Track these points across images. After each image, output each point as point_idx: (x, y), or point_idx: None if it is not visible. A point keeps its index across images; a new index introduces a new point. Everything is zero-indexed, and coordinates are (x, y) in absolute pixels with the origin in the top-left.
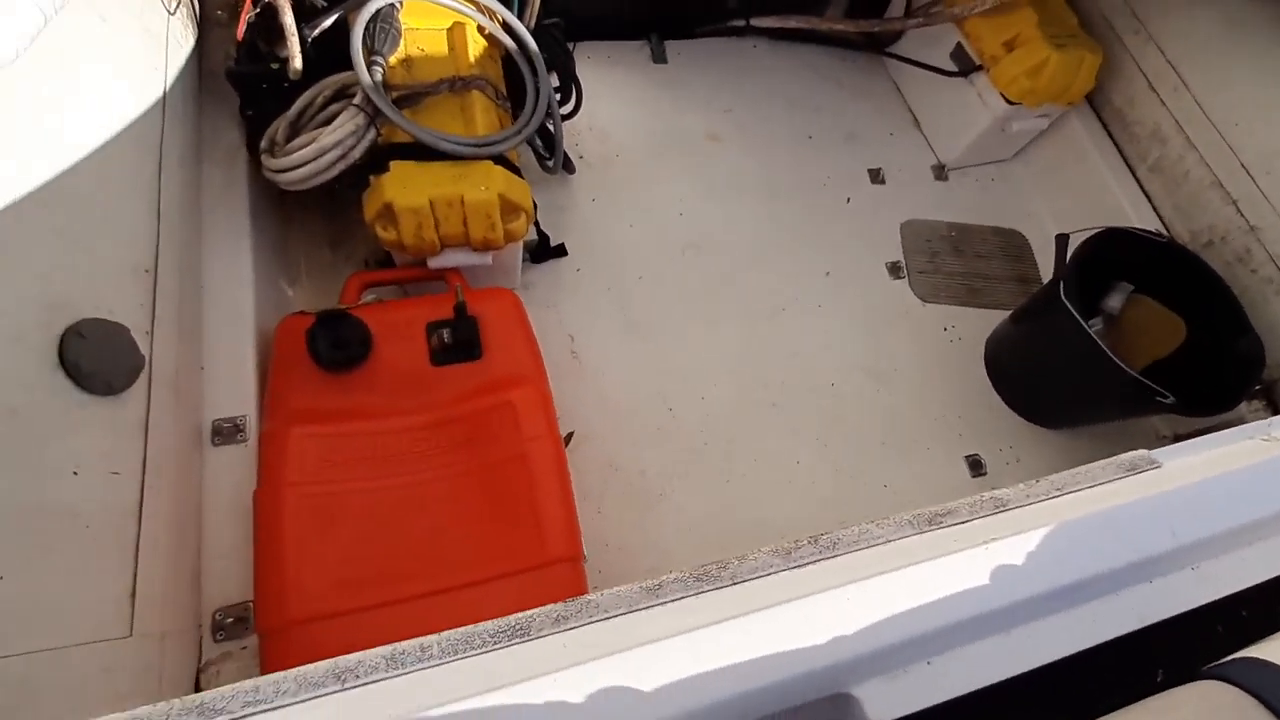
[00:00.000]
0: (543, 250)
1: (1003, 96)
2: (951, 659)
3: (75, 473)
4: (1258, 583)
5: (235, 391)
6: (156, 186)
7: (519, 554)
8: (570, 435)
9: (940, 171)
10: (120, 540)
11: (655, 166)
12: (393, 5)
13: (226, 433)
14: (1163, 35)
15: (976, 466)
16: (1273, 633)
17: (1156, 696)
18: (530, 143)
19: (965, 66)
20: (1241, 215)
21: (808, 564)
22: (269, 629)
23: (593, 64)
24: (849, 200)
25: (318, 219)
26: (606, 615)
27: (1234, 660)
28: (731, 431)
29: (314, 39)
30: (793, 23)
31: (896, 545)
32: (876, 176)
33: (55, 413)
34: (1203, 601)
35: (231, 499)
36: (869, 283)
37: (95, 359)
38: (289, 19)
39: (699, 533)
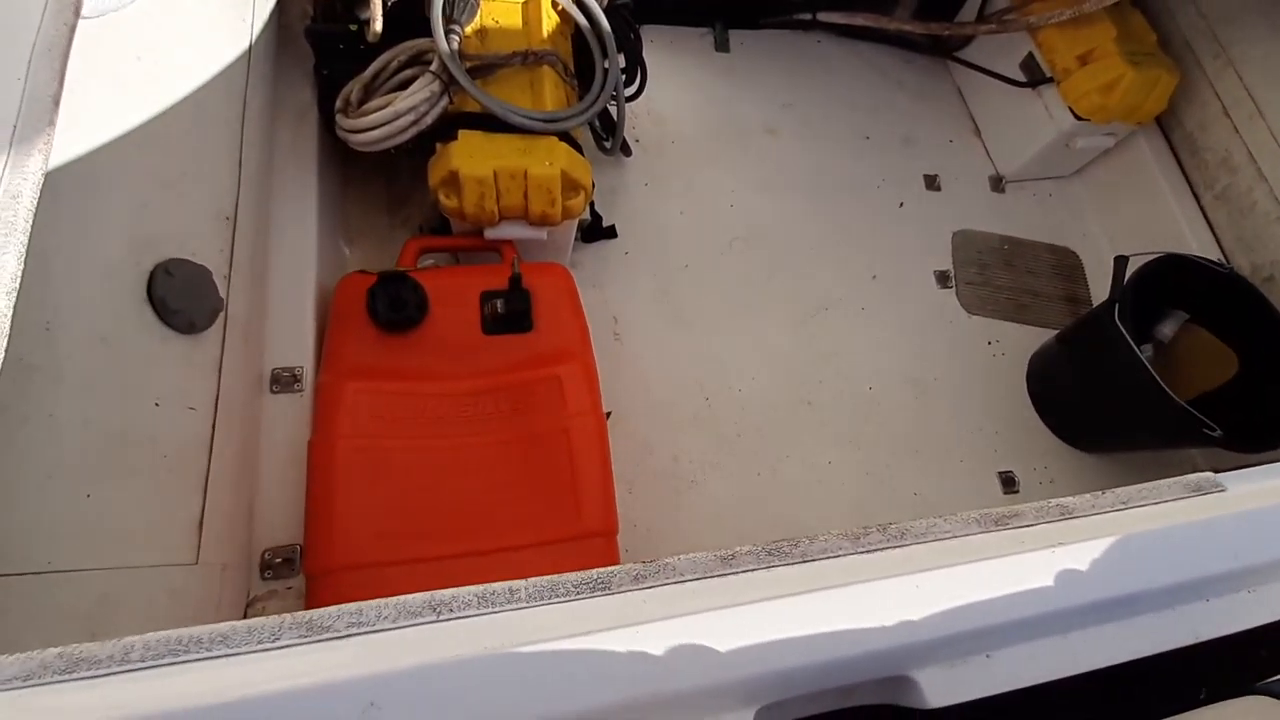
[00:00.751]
0: (594, 230)
1: (1071, 111)
2: (1009, 654)
3: (157, 404)
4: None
5: (295, 342)
6: (239, 137)
7: (556, 524)
8: (609, 414)
9: (998, 183)
10: (193, 472)
11: (710, 156)
12: None
13: (285, 381)
14: (1243, 61)
15: (1009, 484)
16: None
17: (1206, 708)
18: (590, 123)
19: (1035, 77)
20: None
21: (876, 550)
22: (316, 571)
23: (655, 48)
24: (902, 205)
25: (377, 183)
26: (682, 579)
27: None
28: (766, 426)
29: (394, 2)
30: (859, 20)
31: (964, 541)
32: (932, 183)
33: (142, 345)
34: (1255, 624)
35: (285, 445)
36: (915, 289)
37: (181, 297)
38: None
39: (725, 522)
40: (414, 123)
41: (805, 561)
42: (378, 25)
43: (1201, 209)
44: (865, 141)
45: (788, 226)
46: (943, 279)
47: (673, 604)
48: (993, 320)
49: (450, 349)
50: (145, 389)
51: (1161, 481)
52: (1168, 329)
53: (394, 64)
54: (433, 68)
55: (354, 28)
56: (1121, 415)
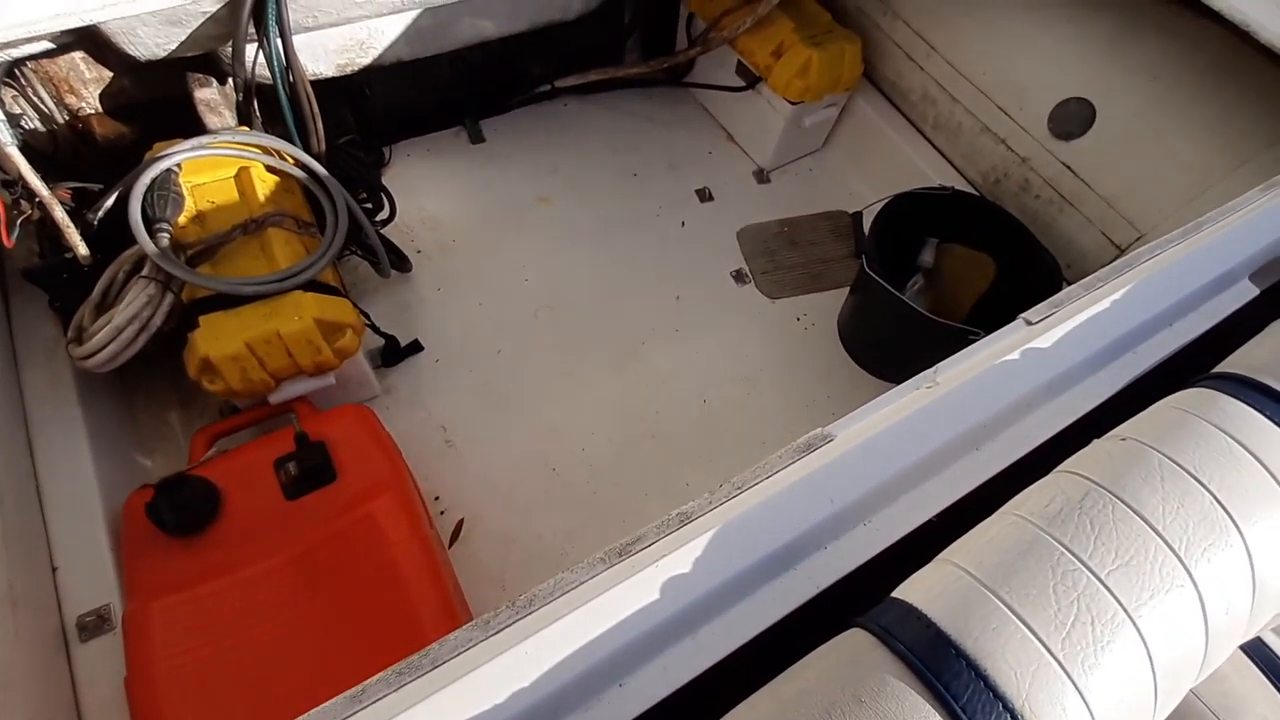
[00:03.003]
0: (395, 352)
1: (785, 99)
2: (643, 674)
3: None
4: (922, 523)
5: (95, 583)
6: None
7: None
8: (461, 522)
9: (762, 175)
10: None
11: (493, 241)
12: (169, 171)
13: (92, 626)
14: (905, 11)
15: None
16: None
17: (811, 654)
18: (361, 255)
19: (749, 79)
20: (1012, 151)
21: (504, 628)
22: None
23: (414, 159)
24: (684, 224)
25: (162, 382)
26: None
27: (881, 605)
28: (618, 474)
29: (100, 220)
30: (593, 76)
31: (588, 586)
32: (705, 195)
33: None
34: (877, 551)
35: (113, 692)
36: (718, 296)
37: None
38: (59, 213)
39: None
40: (141, 329)
41: (435, 668)
42: (82, 250)
43: (929, 140)
44: (634, 179)
45: (585, 281)
46: (739, 277)
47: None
48: (795, 298)
49: (257, 529)
50: None
51: (778, 452)
52: (926, 256)
53: (120, 276)
54: (145, 272)
55: (69, 256)
56: (914, 345)
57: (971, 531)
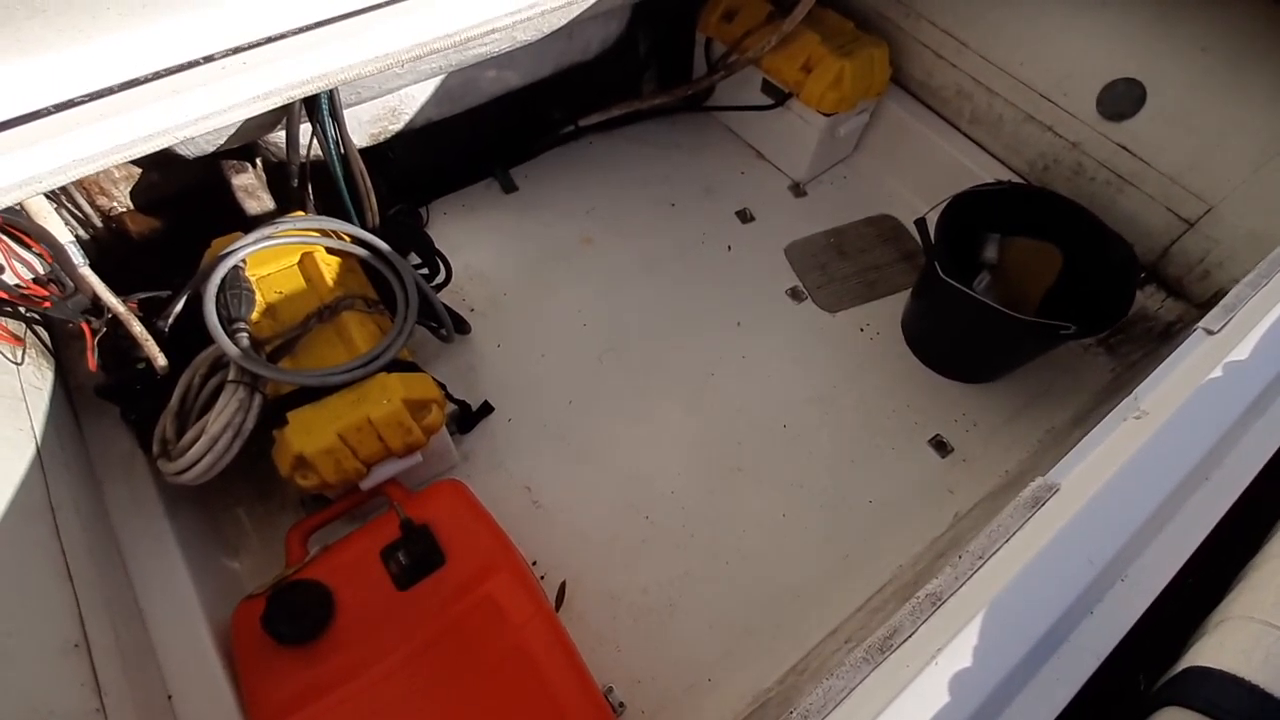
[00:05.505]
0: (469, 418)
1: (818, 112)
2: None
3: None
4: (1183, 563)
5: (214, 707)
6: (59, 549)
7: None
8: (563, 586)
9: (798, 189)
10: None
11: (543, 289)
12: (236, 268)
13: None
14: (929, 10)
15: (941, 447)
16: (1206, 607)
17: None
18: (422, 323)
19: (778, 97)
20: (1061, 137)
21: None
22: None
23: (450, 217)
24: (730, 248)
25: (237, 480)
26: None
27: (1182, 676)
28: (711, 512)
29: (171, 326)
30: (615, 111)
31: (863, 692)
32: (745, 216)
33: None
34: (1143, 609)
35: None
36: (778, 316)
37: None
38: (137, 327)
39: (723, 625)
40: (235, 436)
41: None
42: (160, 361)
43: (967, 136)
44: (672, 208)
45: (642, 318)
46: (795, 294)
47: None
48: (854, 308)
49: (373, 626)
50: None
51: (1005, 510)
52: (990, 253)
53: (196, 381)
54: (231, 376)
55: (141, 366)
56: (992, 345)
57: (1254, 579)
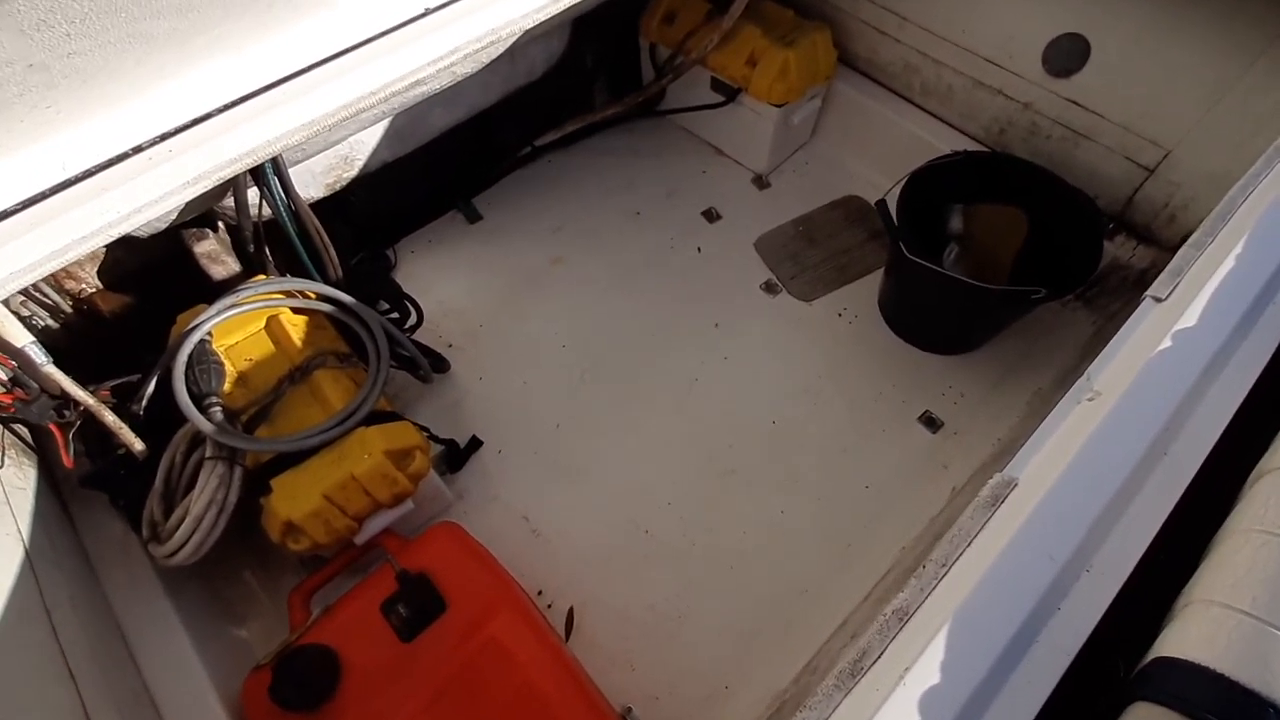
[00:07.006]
0: (457, 456)
1: (769, 104)
2: None
3: None
4: (1145, 549)
5: None
6: (58, 650)
7: None
8: (571, 612)
9: (761, 181)
10: None
11: (518, 315)
12: (203, 341)
13: None
14: None
15: (931, 423)
16: (1180, 583)
17: None
18: (400, 367)
19: (728, 93)
20: (1011, 99)
21: None
22: None
23: (419, 255)
24: (699, 249)
25: (235, 548)
26: None
27: (1149, 669)
28: (710, 518)
29: (146, 408)
30: (570, 127)
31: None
32: (711, 215)
33: None
34: (1110, 599)
35: None
36: (754, 312)
37: None
38: (110, 417)
39: (734, 630)
40: (220, 513)
41: None
42: (137, 446)
43: (921, 108)
44: (638, 216)
45: (620, 331)
46: (769, 288)
47: None
48: (830, 294)
49: (382, 682)
50: None
51: (965, 511)
52: (956, 224)
53: (177, 459)
54: (209, 453)
55: (120, 452)
56: (966, 316)
57: (1214, 559)
